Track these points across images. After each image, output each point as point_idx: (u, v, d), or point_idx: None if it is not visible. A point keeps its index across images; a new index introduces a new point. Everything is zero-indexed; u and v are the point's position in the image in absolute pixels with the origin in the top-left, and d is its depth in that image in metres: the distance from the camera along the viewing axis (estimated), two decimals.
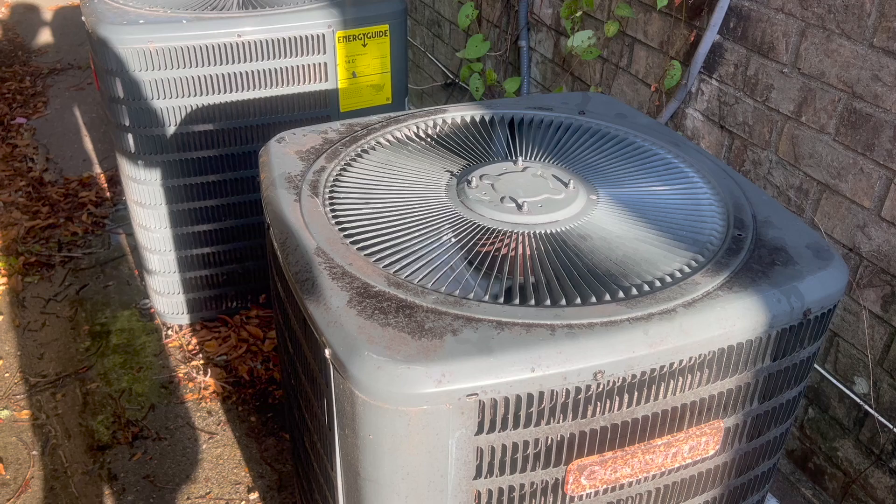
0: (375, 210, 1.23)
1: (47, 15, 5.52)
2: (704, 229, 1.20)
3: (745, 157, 1.81)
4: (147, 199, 2.23)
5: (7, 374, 2.34)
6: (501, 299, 1.03)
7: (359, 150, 1.41)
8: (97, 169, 3.49)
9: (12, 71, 4.57)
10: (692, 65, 1.86)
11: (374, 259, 1.10)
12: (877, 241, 1.53)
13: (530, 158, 1.40)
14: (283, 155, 1.37)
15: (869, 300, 1.57)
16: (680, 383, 1.03)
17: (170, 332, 2.51)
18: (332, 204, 1.24)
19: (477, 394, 0.92)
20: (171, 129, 2.12)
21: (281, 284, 1.21)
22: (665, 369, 1.00)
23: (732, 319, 1.02)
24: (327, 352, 0.97)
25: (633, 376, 0.98)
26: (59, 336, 2.50)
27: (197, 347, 2.44)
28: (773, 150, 1.73)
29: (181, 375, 2.35)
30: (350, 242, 1.14)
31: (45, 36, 5.16)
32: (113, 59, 2.01)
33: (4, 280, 2.73)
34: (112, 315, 2.59)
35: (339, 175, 1.32)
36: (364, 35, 2.20)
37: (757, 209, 1.24)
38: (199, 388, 2.30)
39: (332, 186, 1.29)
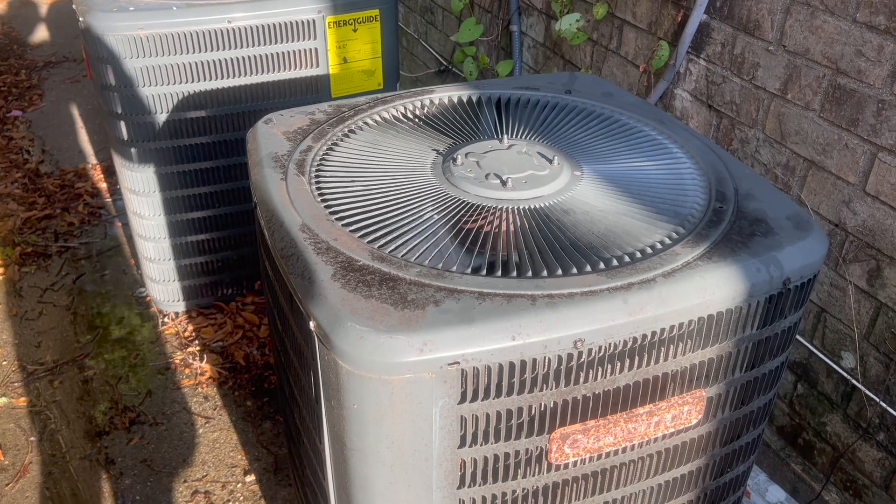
0: (361, 188, 1.25)
1: (43, 9, 5.52)
2: (686, 202, 1.21)
3: (732, 135, 1.82)
4: (141, 187, 2.24)
5: (5, 363, 2.35)
6: (484, 271, 1.04)
7: (346, 130, 1.42)
8: (93, 160, 3.51)
9: (8, 64, 4.58)
10: (680, 45, 1.87)
11: (358, 235, 1.12)
12: (862, 216, 1.54)
13: (516, 137, 1.42)
14: (270, 136, 1.38)
15: (855, 275, 1.59)
16: (661, 352, 1.04)
17: (166, 319, 2.52)
18: (317, 182, 1.25)
19: (459, 362, 0.94)
20: (163, 116, 2.13)
21: (269, 263, 1.23)
22: (646, 338, 1.02)
23: (711, 288, 1.03)
24: (312, 324, 0.99)
25: (614, 345, 1.00)
26: (56, 325, 2.52)
27: (193, 334, 2.46)
28: (761, 129, 1.74)
29: (178, 362, 2.36)
30: (335, 219, 1.15)
31: (40, 29, 5.17)
32: (104, 46, 2.02)
33: (1, 270, 2.75)
34: (109, 304, 2.61)
35: (326, 154, 1.34)
36: (354, 20, 2.20)
37: (739, 183, 1.25)
38: (196, 373, 2.32)
39: (318, 165, 1.30)
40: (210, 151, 2.24)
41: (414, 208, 1.19)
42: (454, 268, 1.05)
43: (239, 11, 2.07)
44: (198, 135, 2.20)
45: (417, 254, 1.08)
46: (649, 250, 1.09)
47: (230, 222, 2.38)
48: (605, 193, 1.24)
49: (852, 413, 1.66)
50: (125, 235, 2.95)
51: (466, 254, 1.10)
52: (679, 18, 1.87)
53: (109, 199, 3.19)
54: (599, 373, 1.02)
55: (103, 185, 3.29)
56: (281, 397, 1.48)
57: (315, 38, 2.17)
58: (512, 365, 0.97)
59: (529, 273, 1.04)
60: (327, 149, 1.35)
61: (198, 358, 2.37)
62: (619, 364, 1.02)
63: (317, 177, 1.27)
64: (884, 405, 1.57)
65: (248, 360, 2.36)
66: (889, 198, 1.47)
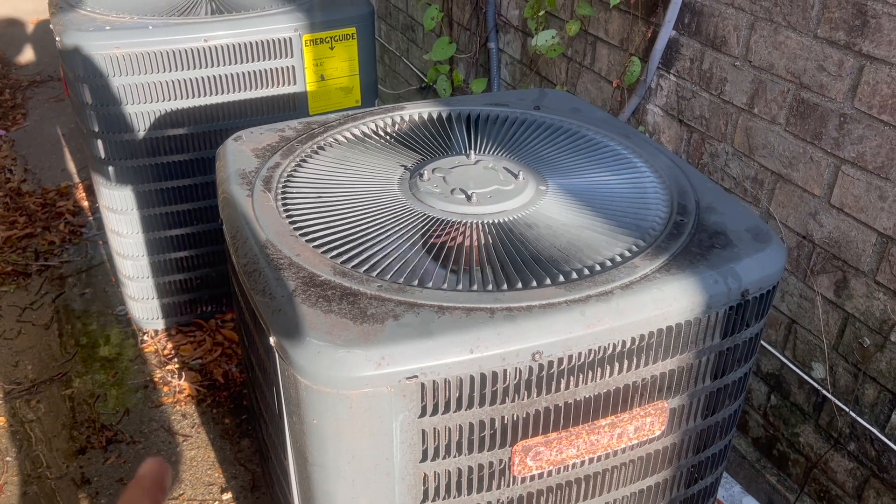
0: (327, 204, 1.26)
1: (28, 28, 5.53)
2: (648, 216, 1.22)
3: (703, 149, 1.84)
4: (119, 205, 2.25)
5: None
6: (444, 285, 1.05)
7: (315, 146, 1.43)
8: (75, 178, 3.51)
9: None
10: (650, 61, 1.90)
11: (321, 250, 1.12)
12: (828, 228, 1.56)
13: (484, 153, 1.43)
14: (238, 152, 1.39)
15: (823, 286, 1.60)
16: (621, 364, 1.05)
17: (146, 337, 2.52)
18: (284, 199, 1.26)
19: (417, 376, 0.94)
20: (140, 134, 2.14)
21: (235, 280, 1.23)
22: (605, 350, 1.02)
23: (669, 300, 1.04)
24: (272, 339, 0.99)
25: (572, 357, 1.01)
26: (34, 344, 2.50)
27: (172, 352, 2.46)
28: (730, 143, 1.76)
29: (157, 379, 2.36)
30: (299, 235, 1.16)
31: (25, 48, 5.18)
32: (80, 65, 2.03)
33: None
34: (89, 322, 2.60)
35: (294, 171, 1.35)
36: (331, 38, 2.22)
37: (701, 196, 1.27)
38: (175, 391, 2.31)
39: (285, 182, 1.31)
40: (187, 169, 2.24)
41: (378, 223, 1.20)
42: (415, 282, 1.06)
43: (215, 30, 2.08)
44: (175, 152, 2.21)
45: (380, 269, 1.09)
46: (609, 263, 1.10)
47: (208, 239, 2.39)
48: (568, 207, 1.26)
49: (824, 423, 1.67)
50: (106, 254, 2.95)
51: (428, 268, 1.11)
52: (649, 35, 1.90)
53: (91, 218, 3.19)
54: (560, 385, 1.03)
55: (85, 204, 3.29)
56: (251, 414, 1.48)
57: (292, 56, 2.19)
58: (472, 378, 0.97)
59: (490, 286, 1.05)
60: (295, 165, 1.36)
61: (177, 375, 2.36)
62: (579, 376, 1.03)
63: (283, 193, 1.27)
64: (853, 415, 1.58)
65: (226, 377, 2.35)
66: (853, 210, 1.49)
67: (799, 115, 1.57)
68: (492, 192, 1.27)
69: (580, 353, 1.01)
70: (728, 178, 1.79)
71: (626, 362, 1.05)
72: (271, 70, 2.19)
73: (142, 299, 2.45)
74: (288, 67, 2.20)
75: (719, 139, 1.79)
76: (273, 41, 2.15)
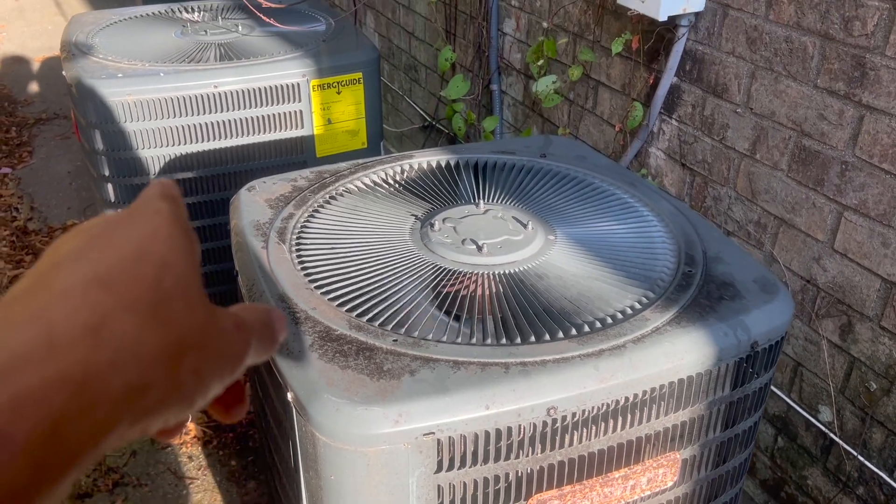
0: (340, 255, 1.28)
1: (34, 65, 5.60)
2: (656, 266, 1.24)
3: (706, 193, 1.87)
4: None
5: None
6: (459, 339, 1.07)
7: (327, 196, 1.46)
8: (81, 217, 3.53)
9: None
10: (653, 106, 1.93)
11: (336, 303, 1.14)
12: (831, 273, 1.58)
13: (493, 201, 1.46)
14: (252, 203, 1.41)
15: (828, 330, 1.62)
16: (634, 417, 1.06)
17: None
18: (298, 250, 1.28)
19: (434, 432, 0.95)
20: (150, 178, 2.17)
21: None
22: (618, 404, 1.04)
23: (681, 353, 1.06)
24: (289, 395, 1.01)
25: (586, 411, 1.02)
26: None
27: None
28: (732, 187, 1.79)
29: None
30: (314, 287, 1.18)
31: (31, 86, 5.24)
32: (92, 111, 2.06)
33: None
34: None
35: (307, 222, 1.37)
36: (338, 83, 2.27)
37: (708, 245, 1.29)
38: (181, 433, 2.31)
39: (299, 233, 1.33)
40: (195, 212, 2.27)
41: (392, 275, 1.22)
42: (430, 336, 1.07)
43: (225, 77, 2.12)
44: (183, 196, 2.23)
45: (395, 322, 1.10)
46: (620, 315, 1.12)
47: (215, 281, 2.40)
48: (578, 257, 1.28)
49: (832, 467, 1.68)
50: None
51: (443, 321, 1.12)
52: (651, 81, 1.94)
53: None
54: (573, 438, 1.04)
55: None
56: (262, 461, 1.48)
57: (300, 101, 2.23)
58: (487, 433, 0.99)
59: (504, 340, 1.06)
60: (308, 216, 1.39)
61: None
62: (592, 429, 1.04)
63: (297, 244, 1.30)
64: (861, 459, 1.59)
65: None
66: (856, 255, 1.51)
67: (801, 161, 1.60)
68: (502, 242, 1.29)
69: (594, 407, 1.02)
70: (731, 222, 1.82)
71: (638, 415, 1.07)
72: (279, 115, 2.23)
73: None
74: (295, 112, 2.24)
75: (722, 183, 1.82)
76: (281, 86, 2.19)
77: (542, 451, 1.02)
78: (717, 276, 1.21)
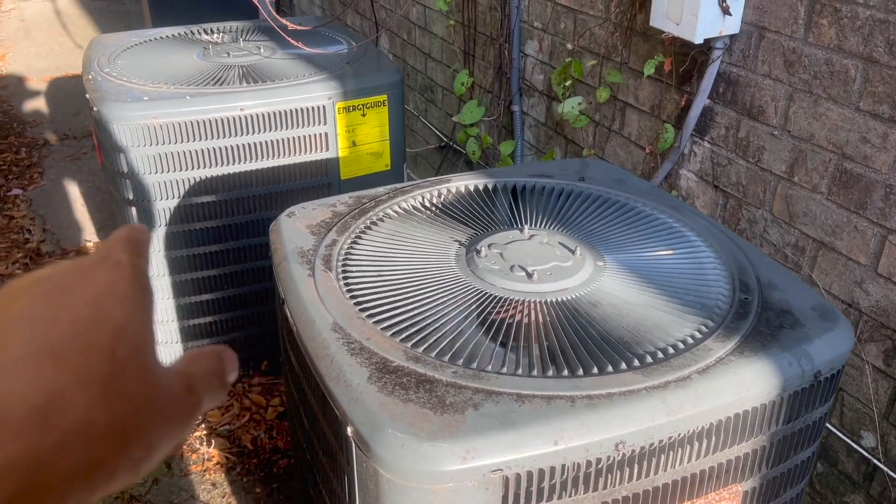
0: (388, 283, 1.25)
1: (41, 86, 5.60)
2: (711, 293, 1.22)
3: (739, 215, 1.85)
4: (151, 271, 2.24)
5: None
6: (519, 371, 1.05)
7: (367, 222, 1.44)
8: (94, 238, 3.51)
9: (7, 142, 4.62)
10: (684, 128, 1.92)
11: (390, 333, 1.12)
12: (875, 297, 1.56)
13: (535, 226, 1.44)
14: (294, 229, 1.39)
15: (871, 355, 1.60)
16: (699, 449, 1.04)
17: None
18: (345, 278, 1.26)
19: (502, 469, 0.93)
20: (174, 202, 2.15)
21: (296, 359, 1.22)
22: (683, 437, 1.01)
23: (746, 384, 1.04)
24: (349, 430, 0.98)
25: (653, 445, 1.00)
26: None
27: (199, 417, 2.42)
28: (768, 209, 1.77)
29: (184, 446, 2.32)
30: (366, 316, 1.15)
31: (40, 107, 5.23)
32: (118, 135, 2.04)
33: None
34: None
35: (351, 248, 1.35)
36: (363, 105, 2.26)
37: (760, 272, 1.27)
38: (203, 459, 2.28)
39: (344, 260, 1.31)
40: (220, 234, 2.25)
41: (442, 303, 1.20)
42: (489, 367, 1.05)
43: (251, 99, 2.11)
44: (208, 219, 2.21)
45: (451, 352, 1.08)
46: (681, 345, 1.10)
47: (238, 303, 2.38)
48: (629, 284, 1.26)
49: (875, 493, 1.65)
50: None
51: (500, 351, 1.10)
52: (683, 103, 1.93)
53: None
54: (640, 472, 1.01)
55: None
56: (303, 493, 1.45)
57: (325, 124, 2.22)
58: (553, 469, 0.96)
59: (566, 372, 1.04)
60: (351, 242, 1.37)
61: (205, 442, 2.33)
62: (658, 463, 1.02)
63: (344, 272, 1.27)
64: None
65: (255, 443, 2.32)
66: None
67: (842, 184, 1.58)
68: (551, 268, 1.27)
69: (661, 441, 1.00)
70: (767, 245, 1.80)
71: (703, 447, 1.04)
72: (305, 137, 2.21)
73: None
74: (321, 134, 2.23)
75: (757, 206, 1.80)
76: (307, 109, 2.17)
77: (608, 486, 1.00)
78: (774, 303, 1.19)
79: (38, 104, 5.28)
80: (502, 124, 2.78)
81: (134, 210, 2.15)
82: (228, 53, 2.44)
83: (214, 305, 2.35)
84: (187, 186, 2.15)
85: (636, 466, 1.00)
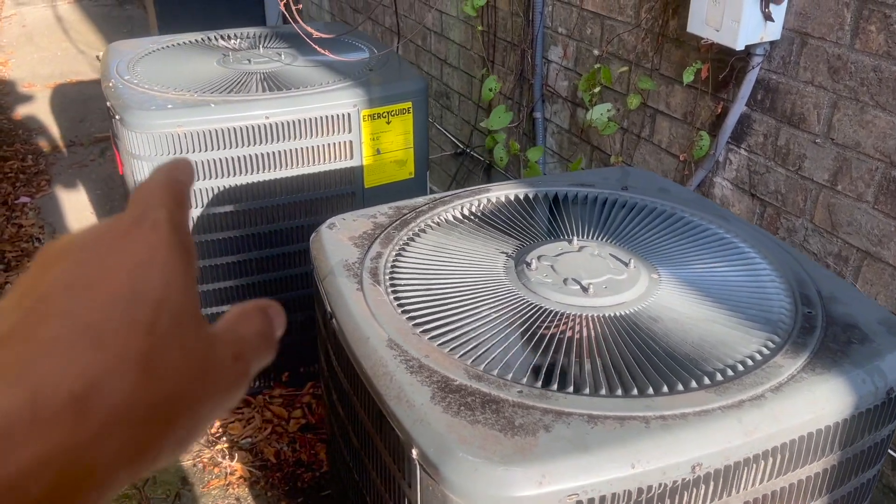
0: (439, 297, 1.22)
1: (46, 92, 5.56)
2: (773, 307, 1.19)
3: (778, 224, 1.82)
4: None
5: None
6: (587, 390, 1.01)
7: (410, 233, 1.40)
8: None
9: (13, 150, 4.57)
10: (720, 135, 1.89)
11: (447, 350, 1.08)
12: None
13: (583, 237, 1.40)
14: (336, 242, 1.36)
15: None
16: (772, 470, 1.00)
17: None
18: (394, 292, 1.22)
19: (577, 494, 0.89)
20: (197, 212, 2.11)
21: (346, 377, 1.19)
22: (758, 458, 0.98)
23: (821, 403, 1.01)
24: (414, 452, 0.94)
25: (729, 467, 0.96)
26: None
27: (220, 430, 2.38)
28: (808, 218, 1.74)
29: (205, 460, 2.28)
30: (420, 332, 1.12)
31: (44, 113, 5.19)
32: (142, 144, 2.01)
33: None
34: None
35: (396, 260, 1.31)
36: (388, 113, 2.22)
37: (820, 284, 1.24)
38: (226, 473, 2.23)
39: (391, 273, 1.27)
40: (242, 244, 2.21)
41: (497, 318, 1.16)
42: (555, 386, 1.01)
43: (277, 107, 2.08)
44: (231, 228, 2.18)
45: (513, 370, 1.05)
46: (750, 362, 1.06)
47: None
48: (686, 298, 1.23)
49: None
50: None
51: (563, 369, 1.07)
52: (719, 110, 1.90)
53: None
54: (713, 495, 0.98)
55: None
56: None
57: (350, 131, 2.18)
58: (628, 493, 0.92)
59: (635, 391, 1.00)
60: (396, 254, 1.33)
61: (227, 456, 2.28)
62: (731, 485, 0.98)
63: (392, 286, 1.24)
64: None
65: (279, 457, 2.28)
66: None
67: (890, 193, 1.55)
68: (606, 281, 1.24)
69: (736, 462, 0.96)
70: (808, 254, 1.77)
71: (777, 468, 1.01)
72: (330, 145, 2.18)
73: None
74: (346, 142, 2.19)
75: (797, 214, 1.77)
76: (333, 117, 2.14)
77: None
78: (839, 317, 1.16)
79: (44, 111, 5.24)
80: (523, 131, 2.75)
81: None
82: (249, 60, 2.40)
83: None
84: (210, 196, 2.11)
85: (710, 488, 0.97)
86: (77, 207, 3.85)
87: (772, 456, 0.99)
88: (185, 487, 2.18)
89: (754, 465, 0.98)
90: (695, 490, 0.96)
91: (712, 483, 0.96)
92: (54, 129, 4.91)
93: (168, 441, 0.31)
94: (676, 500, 0.96)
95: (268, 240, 2.24)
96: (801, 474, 1.04)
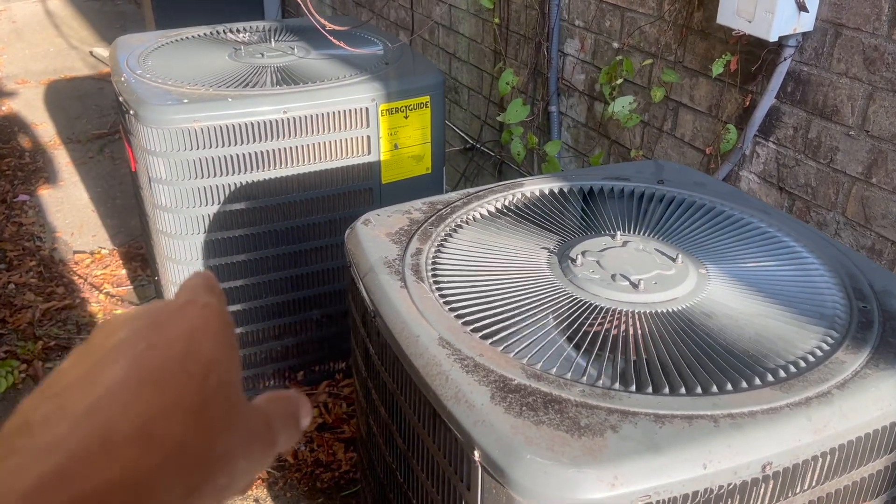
0: (485, 294, 1.19)
1: (40, 89, 5.48)
2: (826, 302, 1.17)
3: (808, 218, 1.81)
4: None
5: None
6: (650, 388, 0.98)
7: (447, 229, 1.37)
8: (109, 245, 3.41)
9: (10, 147, 4.50)
10: (748, 128, 1.87)
11: (501, 348, 1.05)
12: None
13: (624, 231, 1.38)
14: (374, 239, 1.32)
15: None
16: (838, 468, 0.98)
17: None
18: (439, 289, 1.19)
19: (650, 495, 0.87)
20: (213, 208, 2.07)
21: (392, 377, 1.16)
22: (825, 456, 0.96)
23: (888, 399, 0.98)
24: (476, 454, 0.92)
25: (798, 466, 0.94)
26: None
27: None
28: (841, 212, 1.72)
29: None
30: (471, 330, 1.09)
31: (40, 110, 5.11)
32: (156, 139, 1.96)
33: (24, 367, 2.61)
34: None
35: (437, 257, 1.28)
36: (406, 107, 2.19)
37: (871, 278, 1.22)
38: None
39: (433, 270, 1.24)
40: (258, 242, 2.17)
41: (547, 316, 1.14)
42: (617, 385, 0.99)
43: (294, 101, 2.04)
44: (248, 225, 2.14)
45: (571, 368, 1.02)
46: (811, 358, 1.04)
47: (275, 312, 2.30)
48: (737, 294, 1.20)
49: None
50: None
51: (622, 367, 1.04)
52: (747, 103, 1.87)
53: (131, 287, 3.09)
54: (779, 494, 0.95)
55: (123, 272, 3.19)
56: None
57: (368, 126, 2.15)
58: (697, 493, 0.90)
59: (699, 389, 0.98)
60: (436, 251, 1.30)
61: None
62: (797, 484, 0.96)
63: (436, 283, 1.21)
64: None
65: (297, 456, 2.24)
66: None
67: None
68: (655, 277, 1.21)
69: (805, 461, 0.94)
70: None
71: (841, 466, 0.99)
72: (347, 140, 2.14)
73: None
74: (364, 137, 2.16)
75: (828, 208, 1.75)
76: (351, 111, 2.10)
77: None
78: (895, 312, 1.14)
79: (38, 107, 5.16)
80: (538, 125, 2.72)
81: (172, 217, 2.07)
82: (262, 54, 2.36)
83: (251, 315, 2.27)
84: (226, 193, 2.07)
85: (777, 487, 0.95)
86: (77, 206, 3.80)
87: (838, 453, 0.97)
88: None
89: (821, 463, 0.96)
90: (763, 488, 0.93)
91: (780, 481, 0.94)
92: (50, 126, 4.84)
93: (209, 487, 0.34)
94: (743, 500, 0.93)
95: (284, 237, 2.20)
96: (863, 472, 1.02)
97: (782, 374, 1.01)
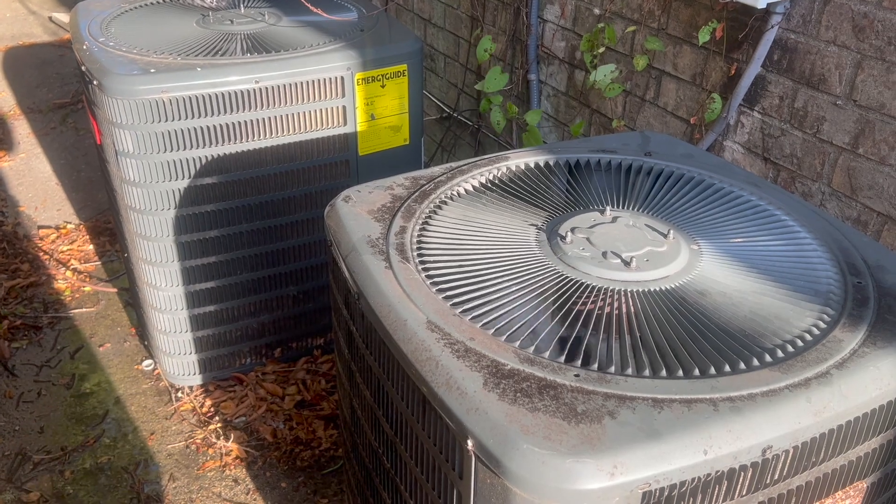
0: (473, 273, 1.15)
1: None
2: (820, 278, 1.15)
3: (793, 189, 1.79)
4: (157, 257, 2.09)
5: (7, 453, 2.15)
6: (647, 371, 0.96)
7: (432, 206, 1.32)
8: (75, 219, 3.30)
9: None
10: (732, 98, 1.84)
11: (492, 331, 1.02)
12: None
13: (614, 206, 1.34)
14: (356, 216, 1.27)
15: None
16: (834, 449, 0.97)
17: (180, 394, 2.35)
18: (425, 269, 1.15)
19: (650, 483, 0.84)
20: (184, 183, 1.99)
21: (378, 361, 1.11)
22: (824, 437, 0.94)
23: (887, 378, 0.97)
24: (470, 443, 0.88)
25: (797, 448, 0.92)
26: (57, 406, 2.32)
27: (212, 409, 2.29)
28: (826, 182, 1.71)
29: (199, 441, 2.19)
30: (460, 313, 1.05)
31: None
32: (122, 110, 1.87)
33: None
34: (113, 379, 2.42)
35: (422, 235, 1.24)
36: (383, 76, 2.12)
37: (864, 252, 1.20)
38: (221, 453, 2.15)
39: (418, 249, 1.20)
40: (231, 217, 2.10)
41: (538, 296, 1.10)
42: (612, 368, 0.96)
43: (267, 71, 1.96)
44: (219, 200, 2.06)
45: (565, 352, 0.99)
46: (808, 336, 1.02)
47: (250, 289, 2.24)
48: (730, 270, 1.17)
49: None
50: (122, 302, 2.77)
51: (616, 350, 1.01)
52: (732, 72, 1.84)
53: (99, 263, 2.99)
54: (778, 476, 0.94)
55: (90, 248, 3.10)
56: (365, 501, 1.35)
57: (344, 96, 2.07)
58: (696, 479, 0.88)
59: (696, 371, 0.95)
60: (420, 228, 1.25)
61: (221, 436, 2.20)
62: (795, 466, 0.94)
63: (422, 262, 1.16)
64: None
65: (275, 435, 2.20)
66: None
67: None
68: (647, 254, 1.18)
69: (804, 443, 0.92)
70: None
71: (839, 446, 0.97)
72: (322, 110, 2.07)
73: (177, 354, 2.28)
74: (339, 107, 2.09)
75: (814, 178, 1.73)
76: (325, 80, 2.03)
77: (749, 492, 0.92)
78: (890, 287, 1.12)
79: None
80: (517, 94, 2.66)
81: (139, 191, 1.99)
82: (231, 21, 2.26)
83: (226, 292, 2.21)
84: (197, 166, 1.99)
85: (777, 470, 0.93)
86: (40, 178, 3.66)
87: (837, 434, 0.95)
88: (179, 470, 2.10)
89: (820, 445, 0.94)
90: (761, 475, 0.91)
91: (780, 465, 0.92)
92: (9, 95, 4.65)
93: None
94: (741, 482, 0.91)
95: (257, 212, 2.13)
96: (859, 451, 1.01)
97: (780, 354, 0.98)
